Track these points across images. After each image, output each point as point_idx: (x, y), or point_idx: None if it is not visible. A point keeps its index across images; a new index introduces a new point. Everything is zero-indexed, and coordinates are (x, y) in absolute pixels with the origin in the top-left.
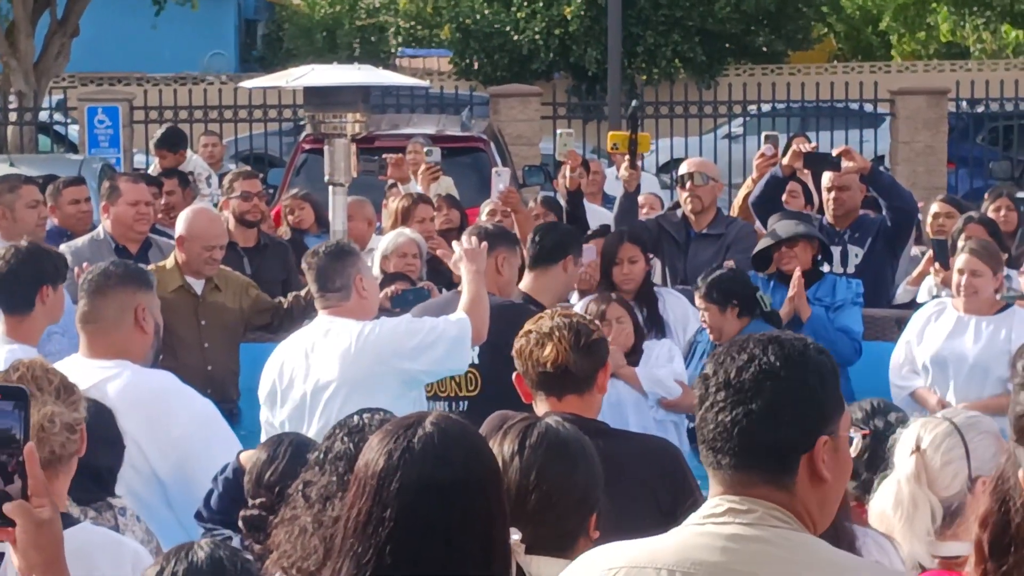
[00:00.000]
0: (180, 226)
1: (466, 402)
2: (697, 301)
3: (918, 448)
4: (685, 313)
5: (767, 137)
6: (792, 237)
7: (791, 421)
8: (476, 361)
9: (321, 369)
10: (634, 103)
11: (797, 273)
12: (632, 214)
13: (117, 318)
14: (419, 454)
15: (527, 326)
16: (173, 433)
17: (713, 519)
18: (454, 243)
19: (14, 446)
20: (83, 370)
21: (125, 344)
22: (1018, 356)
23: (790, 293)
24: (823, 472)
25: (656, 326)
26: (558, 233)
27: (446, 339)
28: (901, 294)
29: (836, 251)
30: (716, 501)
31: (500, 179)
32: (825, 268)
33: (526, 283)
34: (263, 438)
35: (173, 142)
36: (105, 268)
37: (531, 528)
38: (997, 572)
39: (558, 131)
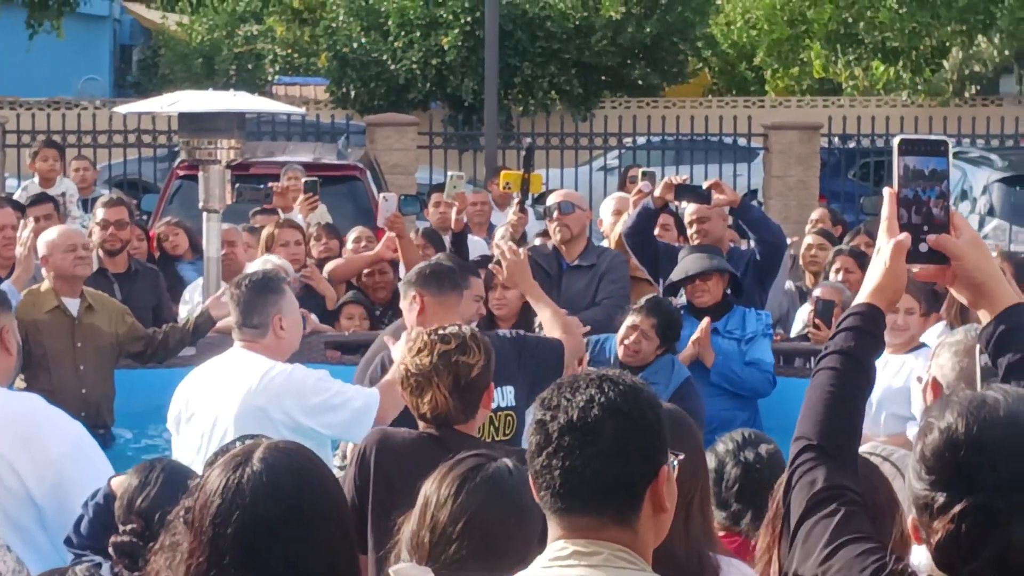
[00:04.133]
0: (39, 248)
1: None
2: (635, 319)
3: None
4: None
5: (644, 174)
6: (705, 271)
7: (638, 455)
8: (513, 404)
9: (222, 402)
10: (529, 141)
11: (704, 322)
12: None
13: None
14: (249, 494)
15: (406, 359)
16: (50, 455)
17: (559, 562)
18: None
19: None
20: None
21: None
22: (919, 438)
23: (694, 337)
24: (666, 501)
25: None
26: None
27: (350, 408)
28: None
29: None
30: (560, 544)
31: (387, 205)
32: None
33: None
34: None
35: (61, 146)
36: None
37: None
38: None
39: (449, 173)
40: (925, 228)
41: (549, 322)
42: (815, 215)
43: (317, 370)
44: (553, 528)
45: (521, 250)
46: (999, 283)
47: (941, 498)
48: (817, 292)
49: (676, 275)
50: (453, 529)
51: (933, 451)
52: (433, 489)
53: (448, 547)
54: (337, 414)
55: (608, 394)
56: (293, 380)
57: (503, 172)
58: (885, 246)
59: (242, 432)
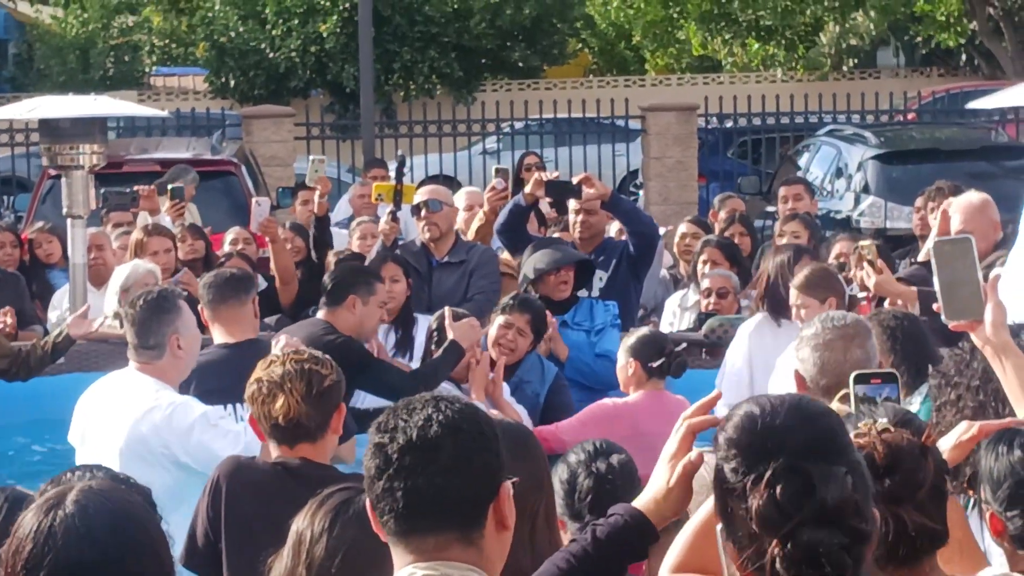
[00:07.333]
0: None
1: None
2: (509, 317)
3: None
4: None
5: (497, 171)
6: (571, 261)
7: (478, 472)
8: None
9: (111, 428)
10: (400, 154)
11: (549, 316)
12: None
13: None
14: (62, 538)
15: (257, 372)
16: None
17: None
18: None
19: None
20: None
21: None
22: (718, 435)
23: (548, 333)
24: (508, 519)
25: (407, 348)
26: (342, 275)
27: (230, 449)
28: None
29: None
30: (409, 570)
31: (260, 209)
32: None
33: (324, 315)
34: None
35: None
36: None
37: None
38: None
39: (310, 157)
40: None
41: None
42: (733, 204)
43: (201, 407)
44: (399, 555)
45: None
46: None
47: (752, 476)
48: (705, 283)
49: (542, 265)
50: (331, 564)
51: (735, 429)
52: (306, 525)
53: None
54: (216, 453)
55: (445, 412)
56: (174, 420)
57: (375, 184)
58: (667, 470)
59: (129, 459)
